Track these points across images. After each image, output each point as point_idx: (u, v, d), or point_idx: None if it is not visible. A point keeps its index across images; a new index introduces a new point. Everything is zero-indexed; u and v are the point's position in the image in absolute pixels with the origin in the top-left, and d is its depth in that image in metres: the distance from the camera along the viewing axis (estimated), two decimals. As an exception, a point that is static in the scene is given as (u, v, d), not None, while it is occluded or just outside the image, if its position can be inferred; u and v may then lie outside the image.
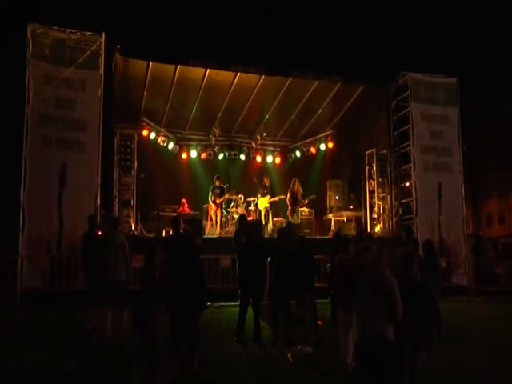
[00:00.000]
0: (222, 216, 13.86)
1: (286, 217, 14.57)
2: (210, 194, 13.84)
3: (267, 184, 14.22)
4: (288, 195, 14.25)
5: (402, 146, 14.12)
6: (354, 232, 13.59)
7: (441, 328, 5.90)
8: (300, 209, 14.47)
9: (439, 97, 13.83)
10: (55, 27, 11.02)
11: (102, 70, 11.21)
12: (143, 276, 6.37)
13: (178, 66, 12.94)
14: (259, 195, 14.17)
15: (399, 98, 14.07)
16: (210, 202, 13.79)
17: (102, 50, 11.26)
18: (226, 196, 13.89)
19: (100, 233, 8.73)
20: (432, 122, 13.73)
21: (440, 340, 5.34)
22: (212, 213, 13.77)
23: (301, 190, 14.16)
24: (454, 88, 14.00)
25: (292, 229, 12.49)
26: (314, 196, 14.29)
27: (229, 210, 14.36)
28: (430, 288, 6.46)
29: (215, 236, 13.30)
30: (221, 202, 13.79)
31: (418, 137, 13.62)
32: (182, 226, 9.33)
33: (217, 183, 13.93)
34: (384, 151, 14.70)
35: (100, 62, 11.23)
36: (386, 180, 14.73)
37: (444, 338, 5.90)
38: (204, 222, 13.79)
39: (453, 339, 7.37)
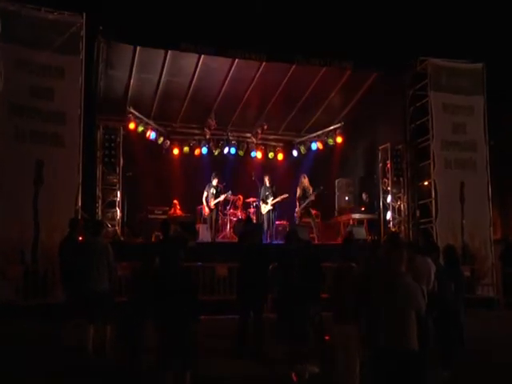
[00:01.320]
0: (217, 219, 13.76)
1: (292, 219, 14.51)
2: (206, 193, 13.76)
3: (268, 184, 14.14)
4: (298, 193, 14.18)
5: (419, 141, 14.02)
6: (365, 236, 13.53)
7: (463, 346, 5.85)
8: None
9: (463, 85, 13.70)
10: (29, 5, 10.86)
11: (82, 56, 11.08)
12: (136, 286, 6.36)
13: (169, 52, 12.92)
14: (261, 202, 14.06)
15: (417, 87, 13.96)
16: (204, 202, 13.72)
17: (83, 33, 11.15)
18: (222, 197, 13.81)
19: (80, 238, 8.66)
20: (454, 113, 13.61)
21: (463, 359, 5.27)
22: (207, 215, 13.69)
23: (311, 188, 14.08)
24: (479, 75, 13.88)
25: (298, 233, 12.52)
26: (322, 187, 14.23)
27: (226, 212, 14.30)
28: (452, 300, 6.43)
29: (211, 242, 13.27)
30: (216, 204, 13.69)
31: (438, 130, 13.52)
32: (174, 229, 9.27)
33: (214, 182, 13.84)
34: (399, 146, 14.61)
35: (80, 46, 11.10)
36: (401, 179, 14.64)
37: (467, 357, 5.83)
38: (198, 225, 13.74)
39: (477, 358, 7.26)
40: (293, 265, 7.77)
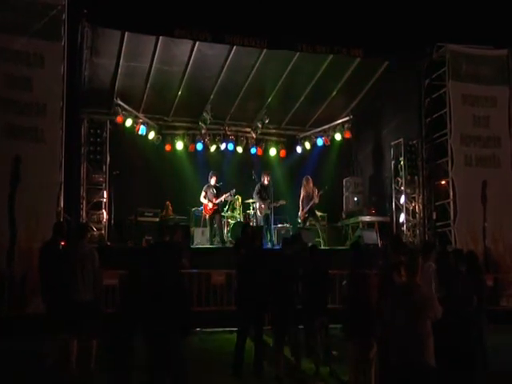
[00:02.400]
0: (221, 221, 13.76)
1: (295, 222, 14.48)
2: (204, 193, 13.69)
3: (266, 184, 14.08)
4: (301, 194, 14.11)
5: (436, 136, 13.98)
6: (376, 241, 13.46)
7: (487, 365, 5.79)
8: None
9: (485, 73, 13.62)
10: (3, -15, 10.80)
11: (64, 42, 10.94)
12: (125, 296, 6.28)
13: (161, 38, 12.86)
14: (260, 202, 14.00)
15: (434, 76, 13.93)
16: (206, 201, 13.62)
17: (65, 17, 11.02)
18: (223, 197, 13.76)
19: (63, 243, 8.57)
20: (475, 104, 13.54)
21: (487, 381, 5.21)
22: (207, 217, 13.62)
23: (315, 190, 13.99)
24: (503, 62, 13.80)
25: (302, 237, 12.47)
26: (326, 187, 14.18)
27: (223, 213, 14.23)
28: (472, 313, 6.36)
29: (207, 246, 13.22)
30: (218, 203, 13.64)
31: (457, 124, 13.45)
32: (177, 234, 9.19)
33: (212, 181, 13.78)
34: (414, 142, 14.59)
35: (62, 31, 10.98)
36: (416, 177, 14.63)
37: (491, 379, 5.75)
38: (192, 228, 13.69)
39: (502, 381, 7.14)
40: (295, 272, 7.81)
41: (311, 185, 14.12)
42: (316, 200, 13.93)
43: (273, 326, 7.72)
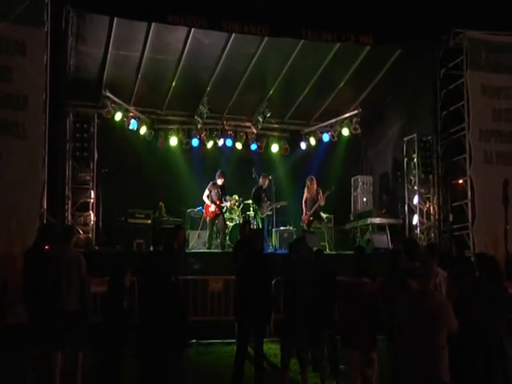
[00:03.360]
0: (225, 223, 13.76)
1: (299, 224, 14.49)
2: (207, 192, 13.64)
3: (265, 186, 14.10)
4: (305, 196, 14.09)
5: (452, 131, 13.94)
6: (388, 245, 13.43)
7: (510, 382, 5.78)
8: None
9: (507, 62, 13.57)
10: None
11: (47, 28, 10.91)
12: (107, 305, 6.51)
13: (153, 24, 12.86)
14: (261, 204, 14.01)
15: (450, 66, 13.90)
16: (208, 201, 13.57)
17: (48, 0, 11.00)
18: (228, 203, 13.93)
19: (47, 247, 8.56)
20: (496, 96, 13.47)
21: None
22: (208, 219, 13.60)
23: (320, 192, 13.96)
24: (527, 50, 13.80)
25: (306, 241, 12.46)
26: (333, 188, 14.15)
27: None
28: (492, 324, 6.39)
29: (203, 250, 13.25)
30: (220, 205, 13.65)
31: (475, 117, 13.40)
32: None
33: (219, 181, 13.79)
34: (428, 137, 14.54)
35: (45, 16, 10.95)
36: (431, 176, 14.58)
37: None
38: (187, 231, 13.68)
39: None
40: (302, 279, 7.75)
41: (315, 186, 14.10)
42: (321, 202, 13.92)
43: (283, 338, 7.72)
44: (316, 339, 7.83)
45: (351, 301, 6.57)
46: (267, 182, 14.21)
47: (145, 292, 7.20)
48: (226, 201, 13.80)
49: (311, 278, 7.91)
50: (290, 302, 7.59)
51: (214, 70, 14.72)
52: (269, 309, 7.74)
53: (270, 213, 13.90)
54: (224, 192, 13.80)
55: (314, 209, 13.89)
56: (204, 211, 13.82)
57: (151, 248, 11.83)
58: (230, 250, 13.42)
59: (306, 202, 14.12)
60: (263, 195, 14.02)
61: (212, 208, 13.55)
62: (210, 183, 13.79)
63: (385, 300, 6.69)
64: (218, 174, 13.87)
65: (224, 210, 14.03)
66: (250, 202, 14.59)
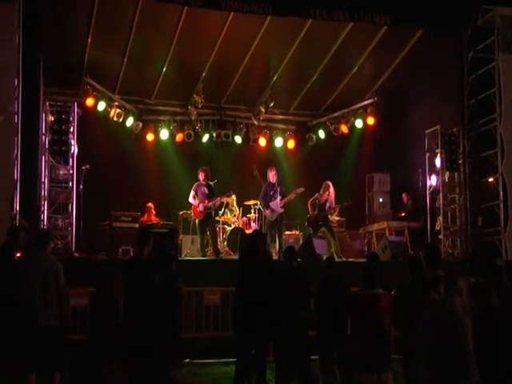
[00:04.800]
0: (214, 227, 13.73)
1: (304, 227, 14.46)
2: (193, 193, 13.61)
3: (273, 180, 14.00)
4: (316, 198, 14.00)
5: (482, 122, 13.92)
6: (407, 251, 13.42)
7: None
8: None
9: (545, 44, 13.61)
10: None
11: (19, 4, 10.84)
12: (92, 319, 6.51)
13: (141, 1, 12.88)
14: (269, 204, 13.89)
15: (479, 48, 13.86)
16: (195, 202, 13.53)
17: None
18: (218, 200, 13.67)
19: (19, 254, 8.52)
20: (532, 82, 13.51)
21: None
22: (198, 222, 13.59)
23: (333, 203, 13.88)
24: None
25: (313, 246, 12.43)
26: (349, 202, 14.06)
27: (218, 218, 14.25)
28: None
29: (198, 258, 13.21)
30: (210, 207, 13.52)
31: (508, 106, 13.35)
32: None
33: (201, 178, 13.71)
34: (454, 130, 14.55)
35: (16, -11, 11.00)
36: (456, 174, 14.62)
37: None
38: (180, 236, 13.65)
39: None
40: (308, 289, 7.92)
41: (327, 195, 13.90)
42: (332, 211, 13.87)
43: (276, 358, 7.78)
44: (326, 359, 7.84)
45: (365, 316, 6.55)
46: (273, 174, 13.94)
47: (133, 304, 7.16)
48: (214, 197, 13.59)
49: (321, 290, 7.97)
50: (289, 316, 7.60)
51: (210, 53, 14.72)
52: (272, 324, 7.75)
53: (282, 210, 13.63)
54: (211, 189, 13.72)
55: (323, 214, 13.77)
56: (193, 213, 13.78)
57: (132, 253, 11.92)
58: (227, 256, 13.50)
59: (312, 202, 14.00)
60: (271, 192, 13.77)
61: (200, 208, 13.50)
62: (195, 184, 13.78)
63: (400, 314, 6.72)
64: (199, 171, 13.77)
65: (220, 208, 14.00)
66: (251, 202, 14.53)
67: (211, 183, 13.84)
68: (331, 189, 13.98)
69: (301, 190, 13.96)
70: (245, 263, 8.11)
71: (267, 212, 13.81)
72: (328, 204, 13.83)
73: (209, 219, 13.57)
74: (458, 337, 4.81)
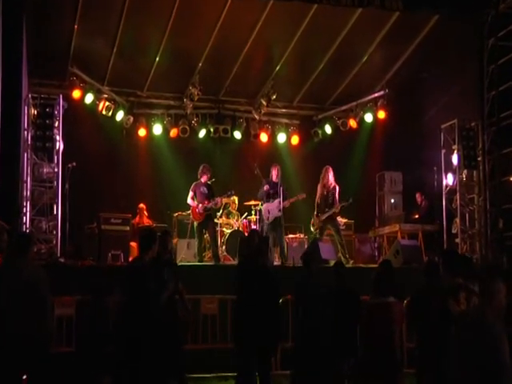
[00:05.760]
0: (215, 230, 13.75)
1: (309, 230, 14.47)
2: (191, 194, 13.57)
3: (276, 179, 13.97)
4: (318, 192, 13.97)
5: (503, 116, 13.86)
6: (421, 257, 13.40)
7: None
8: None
9: None
10: None
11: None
12: (81, 330, 6.50)
13: (132, -16, 12.95)
14: (263, 202, 13.94)
15: (501, 34, 13.81)
16: (194, 203, 13.49)
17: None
18: (219, 199, 13.67)
19: (-1, 259, 8.50)
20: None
21: None
22: (196, 224, 13.54)
23: (337, 188, 13.83)
24: None
25: (319, 251, 12.40)
26: (349, 201, 13.99)
27: (216, 220, 14.29)
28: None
29: (194, 263, 13.21)
30: (210, 208, 13.49)
31: (533, 99, 13.39)
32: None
33: (203, 179, 13.65)
34: (472, 124, 14.56)
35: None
36: (475, 172, 14.61)
37: None
38: (175, 239, 13.66)
39: None
40: (317, 299, 7.87)
41: (328, 180, 13.86)
42: (336, 209, 13.79)
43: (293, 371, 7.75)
44: (337, 371, 7.84)
45: (375, 326, 6.62)
46: (276, 173, 13.97)
47: (130, 314, 7.11)
48: (214, 197, 13.55)
49: (329, 299, 7.96)
50: (301, 327, 7.62)
51: (207, 41, 14.69)
52: (276, 336, 7.77)
53: (280, 214, 13.61)
54: (211, 189, 13.69)
55: (328, 214, 13.71)
56: (191, 215, 13.72)
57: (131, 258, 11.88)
58: (225, 262, 13.47)
59: (319, 203, 13.97)
60: (271, 191, 13.77)
61: (200, 209, 13.43)
62: (194, 184, 13.73)
63: (414, 325, 6.77)
64: (200, 169, 13.73)
65: (219, 209, 13.97)
66: (252, 203, 14.50)
67: (209, 182, 13.80)
68: (330, 172, 13.98)
69: (302, 196, 14.04)
70: (246, 271, 8.03)
71: (263, 212, 13.88)
72: (331, 189, 13.81)
73: (208, 221, 13.57)
74: (492, 354, 4.70)
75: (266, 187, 13.81)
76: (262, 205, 14.16)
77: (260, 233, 13.48)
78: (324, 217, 13.78)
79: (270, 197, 13.86)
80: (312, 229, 14.18)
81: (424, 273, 7.70)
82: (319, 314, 7.70)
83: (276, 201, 13.71)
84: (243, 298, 7.84)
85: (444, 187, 14.99)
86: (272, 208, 13.71)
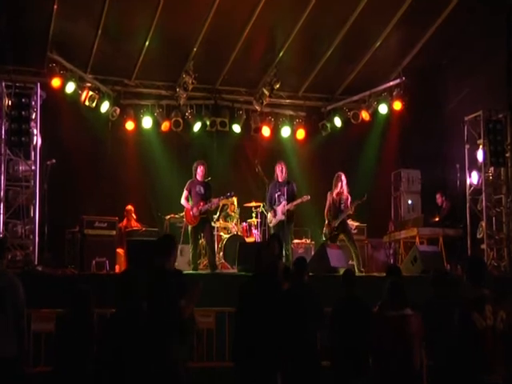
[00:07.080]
0: (211, 234, 13.74)
1: (318, 235, 14.46)
2: (186, 193, 13.54)
3: (281, 179, 13.94)
4: (328, 201, 13.91)
5: (534, 106, 13.89)
6: (442, 264, 13.37)
7: None
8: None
9: None
10: None
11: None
12: (60, 347, 6.51)
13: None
14: (269, 208, 13.97)
15: (531, 14, 13.82)
16: (189, 205, 13.47)
17: None
18: (216, 200, 13.60)
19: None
20: None
21: None
22: (190, 228, 13.54)
23: (349, 196, 13.81)
24: None
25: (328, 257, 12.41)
26: (364, 197, 13.96)
27: (213, 223, 14.28)
28: None
29: (188, 271, 13.07)
30: (206, 210, 13.46)
31: None
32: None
33: (199, 176, 13.61)
34: (500, 116, 14.55)
35: None
36: (503, 170, 14.63)
37: None
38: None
39: None
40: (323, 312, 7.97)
41: (341, 187, 13.83)
42: (350, 211, 13.76)
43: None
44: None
45: (391, 342, 6.62)
46: (281, 170, 13.92)
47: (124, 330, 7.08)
48: (211, 198, 13.49)
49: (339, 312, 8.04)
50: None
51: (202, 23, 14.67)
52: (280, 353, 7.68)
53: (283, 217, 13.60)
54: (208, 188, 13.64)
55: (340, 219, 13.67)
56: (185, 218, 13.71)
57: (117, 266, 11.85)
58: (223, 270, 13.47)
59: (329, 207, 13.92)
60: (277, 194, 13.75)
61: (194, 211, 13.39)
62: (188, 182, 13.67)
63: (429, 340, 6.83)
64: (194, 166, 13.69)
65: (216, 211, 14.07)
66: (253, 204, 14.48)
67: (207, 181, 13.73)
68: (343, 180, 13.88)
69: (306, 198, 13.91)
70: (246, 280, 8.01)
71: (268, 216, 13.95)
72: (343, 198, 13.76)
73: (204, 225, 13.51)
74: None
75: (270, 193, 13.83)
76: (265, 210, 14.14)
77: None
78: (337, 222, 13.72)
79: (275, 200, 13.82)
80: (324, 238, 14.13)
81: (431, 283, 7.73)
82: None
83: (281, 204, 13.69)
84: (243, 312, 7.73)
85: (468, 187, 15.01)
86: (277, 211, 13.71)
